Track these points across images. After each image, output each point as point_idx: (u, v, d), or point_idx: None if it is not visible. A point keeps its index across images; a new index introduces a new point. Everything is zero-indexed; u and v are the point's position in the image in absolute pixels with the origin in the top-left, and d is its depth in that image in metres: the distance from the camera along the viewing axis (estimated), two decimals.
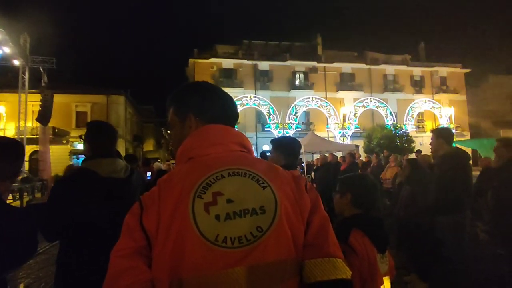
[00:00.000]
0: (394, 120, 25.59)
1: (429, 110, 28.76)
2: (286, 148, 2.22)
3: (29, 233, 1.38)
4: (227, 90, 1.17)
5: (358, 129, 24.88)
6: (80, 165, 2.02)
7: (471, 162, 3.84)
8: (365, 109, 26.69)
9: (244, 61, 27.83)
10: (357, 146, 15.40)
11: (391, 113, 25.85)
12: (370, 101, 26.61)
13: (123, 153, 2.95)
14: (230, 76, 27.10)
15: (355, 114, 25.39)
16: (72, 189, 1.78)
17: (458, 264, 3.30)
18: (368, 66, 29.95)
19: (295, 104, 24.71)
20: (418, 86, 30.86)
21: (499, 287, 3.68)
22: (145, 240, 0.74)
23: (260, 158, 1.01)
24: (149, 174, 6.75)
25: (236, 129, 1.00)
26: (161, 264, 0.71)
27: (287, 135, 21.46)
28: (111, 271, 0.73)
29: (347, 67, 29.75)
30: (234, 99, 1.05)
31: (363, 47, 32.58)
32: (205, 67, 26.91)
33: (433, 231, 3.49)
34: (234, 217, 0.74)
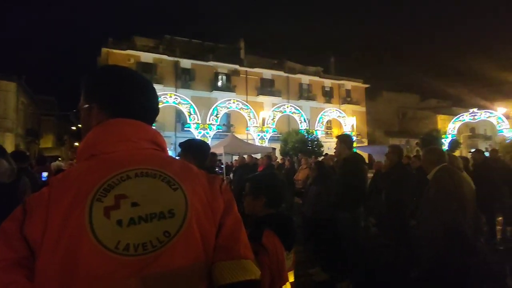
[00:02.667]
0: (307, 126, 27.75)
1: (336, 119, 32.10)
2: (195, 150, 2.18)
3: None
4: None
5: (276, 133, 26.17)
6: None
7: (366, 166, 4.42)
8: (283, 114, 28.26)
9: (165, 57, 26.62)
10: (274, 149, 16.16)
11: (304, 119, 27.94)
12: (287, 107, 28.29)
13: (11, 150, 2.47)
14: (149, 71, 25.49)
15: (273, 118, 26.62)
16: None
17: (354, 254, 3.74)
18: (286, 74, 31.95)
19: (217, 105, 24.69)
20: (328, 96, 34.30)
21: (387, 272, 4.29)
22: (27, 250, 0.64)
23: (174, 157, 0.94)
24: (45, 174, 5.86)
25: (154, 127, 0.91)
26: (48, 277, 0.61)
27: (207, 136, 21.29)
28: None
29: (267, 73, 31.17)
30: None
31: (283, 56, 34.73)
32: (121, 59, 24.74)
33: (334, 226, 3.89)
34: (139, 222, 0.68)
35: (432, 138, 27.25)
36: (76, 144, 44.06)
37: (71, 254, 0.62)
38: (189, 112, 21.78)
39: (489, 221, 5.66)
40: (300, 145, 22.61)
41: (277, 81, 31.44)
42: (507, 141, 23.52)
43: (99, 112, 0.84)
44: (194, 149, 2.14)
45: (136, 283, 0.64)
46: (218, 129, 23.21)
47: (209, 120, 22.52)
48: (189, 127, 21.90)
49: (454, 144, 27.57)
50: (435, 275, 2.76)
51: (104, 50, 25.29)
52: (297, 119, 27.50)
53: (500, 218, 6.24)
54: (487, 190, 5.01)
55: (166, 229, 0.69)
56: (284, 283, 1.47)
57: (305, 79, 33.28)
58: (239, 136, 19.23)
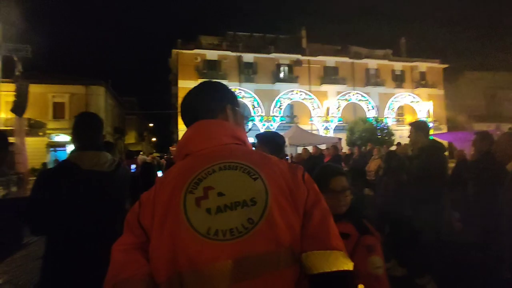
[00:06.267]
0: (375, 114, 26.14)
1: (408, 104, 29.53)
2: (270, 142, 2.24)
3: (13, 225, 1.34)
4: None
5: (341, 122, 25.28)
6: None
7: (447, 154, 3.99)
8: (348, 102, 27.11)
9: (229, 53, 27.54)
10: (339, 139, 15.66)
11: (373, 106, 26.39)
12: (353, 95, 27.04)
13: None
14: (214, 67, 26.76)
15: (338, 107, 25.76)
16: (53, 182, 1.74)
17: (434, 251, 3.47)
18: (351, 60, 30.34)
19: (280, 97, 24.77)
20: (398, 80, 31.61)
21: (471, 274, 3.88)
22: (145, 236, 0.79)
23: (254, 149, 1.02)
24: (133, 166, 6.64)
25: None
26: (158, 258, 0.75)
27: (271, 128, 21.54)
28: (113, 264, 0.78)
29: (331, 60, 30.02)
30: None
31: (347, 41, 32.97)
32: (188, 58, 26.44)
33: (413, 220, 3.64)
34: (225, 210, 0.76)
35: None
36: (154, 139, 48.65)
37: (172, 237, 0.74)
38: (253, 105, 22.28)
39: None
40: (368, 134, 21.42)
41: (341, 68, 30.07)
42: None
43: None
44: (269, 141, 2.21)
45: (225, 265, 0.72)
46: (282, 120, 23.34)
47: (273, 112, 22.77)
48: (253, 120, 22.41)
49: None
50: None
51: (174, 51, 27.23)
52: (364, 107, 26.10)
53: None
54: None
55: (250, 216, 0.76)
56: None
57: (372, 63, 31.14)
58: (303, 127, 19.02)
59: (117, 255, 0.79)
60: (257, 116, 22.04)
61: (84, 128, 1.92)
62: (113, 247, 0.81)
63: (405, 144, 6.63)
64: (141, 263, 0.76)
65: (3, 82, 14.63)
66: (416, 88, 31.31)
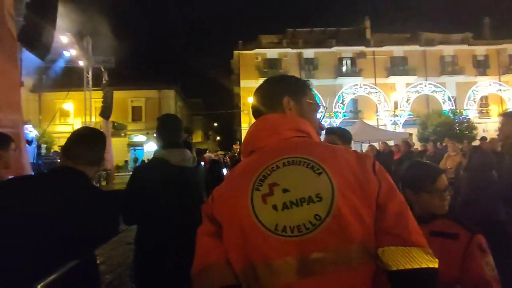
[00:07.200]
0: (452, 106, 23.53)
1: (494, 93, 25.91)
2: (339, 132, 2.23)
3: (113, 213, 1.55)
4: None
5: (412, 116, 23.33)
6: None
7: None
8: (419, 94, 24.87)
9: (289, 50, 27.47)
10: (410, 134, 14.50)
11: (449, 98, 23.79)
12: (425, 86, 24.71)
13: None
14: (274, 66, 26.97)
15: (407, 100, 23.81)
16: (148, 175, 2.00)
17: None
18: (422, 48, 27.71)
19: (342, 92, 23.88)
20: (481, 67, 27.86)
21: None
22: (221, 228, 0.83)
23: (318, 141, 1.00)
24: (202, 163, 7.13)
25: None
26: (231, 250, 0.80)
27: (334, 124, 20.91)
28: (200, 248, 0.85)
29: (398, 50, 27.86)
30: None
31: (417, 27, 30.15)
32: (249, 58, 27.12)
33: (508, 224, 3.23)
34: (291, 206, 0.77)
35: None
36: (218, 138, 51.08)
37: (243, 232, 0.78)
38: None
39: None
40: (444, 129, 19.40)
41: (410, 58, 27.72)
42: None
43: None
44: (338, 131, 2.20)
45: (294, 261, 0.73)
46: (345, 116, 22.49)
47: (335, 108, 22.07)
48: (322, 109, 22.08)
49: None
50: None
51: (236, 52, 28.19)
52: (439, 98, 23.72)
53: None
54: None
55: (316, 212, 0.75)
56: None
57: (448, 50, 28.01)
58: (368, 122, 18.07)
59: (203, 239, 0.85)
60: (318, 112, 21.57)
61: (168, 128, 2.16)
62: (198, 231, 0.87)
63: (492, 138, 5.88)
64: (223, 250, 0.81)
65: (93, 90, 16.84)
66: (504, 74, 27.24)
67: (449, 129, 19.54)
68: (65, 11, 9.14)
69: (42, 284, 1.09)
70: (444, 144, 9.22)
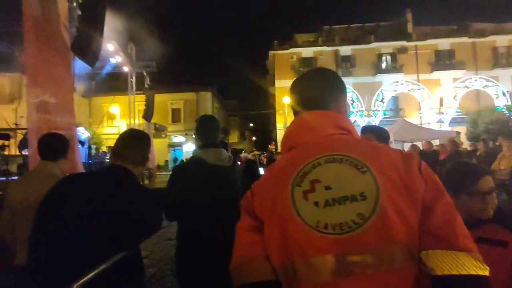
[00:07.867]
0: (507, 101, 21.55)
1: None
2: (376, 131, 2.17)
3: (157, 210, 1.65)
4: None
5: (459, 114, 21.76)
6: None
7: None
8: (469, 89, 23.11)
9: (325, 48, 26.92)
10: (457, 133, 13.53)
11: (503, 93, 21.81)
12: (475, 80, 22.89)
13: None
14: (310, 65, 26.53)
15: (455, 96, 22.23)
16: (186, 174, 2.10)
17: None
18: (471, 40, 25.66)
19: (381, 89, 22.89)
20: None
21: None
22: (260, 222, 0.84)
23: (361, 139, 0.98)
24: (238, 163, 7.25)
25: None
26: (270, 245, 0.80)
27: (373, 123, 20.14)
28: (239, 243, 0.85)
29: (444, 43, 26.05)
30: None
31: (465, 17, 28.03)
32: (284, 58, 27.01)
33: None
34: (333, 203, 0.76)
35: None
36: (254, 138, 51.54)
37: (283, 227, 0.78)
38: (352, 100, 21.27)
39: None
40: (497, 126, 17.80)
41: (458, 51, 25.77)
42: None
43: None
44: (374, 130, 2.15)
45: (332, 259, 0.72)
46: (385, 114, 21.57)
47: (374, 106, 21.25)
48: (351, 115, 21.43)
49: None
50: None
51: (271, 53, 28.21)
52: (492, 93, 21.87)
53: None
54: None
55: (360, 211, 0.74)
56: None
57: (502, 40, 25.59)
58: (410, 120, 17.14)
59: (242, 234, 0.85)
60: (357, 111, 20.92)
61: (205, 129, 2.25)
62: (238, 226, 0.87)
63: None
64: (262, 245, 0.81)
65: (136, 94, 17.83)
66: None
67: (503, 126, 17.89)
68: (111, 20, 9.79)
69: (93, 273, 1.19)
70: (497, 143, 8.48)
